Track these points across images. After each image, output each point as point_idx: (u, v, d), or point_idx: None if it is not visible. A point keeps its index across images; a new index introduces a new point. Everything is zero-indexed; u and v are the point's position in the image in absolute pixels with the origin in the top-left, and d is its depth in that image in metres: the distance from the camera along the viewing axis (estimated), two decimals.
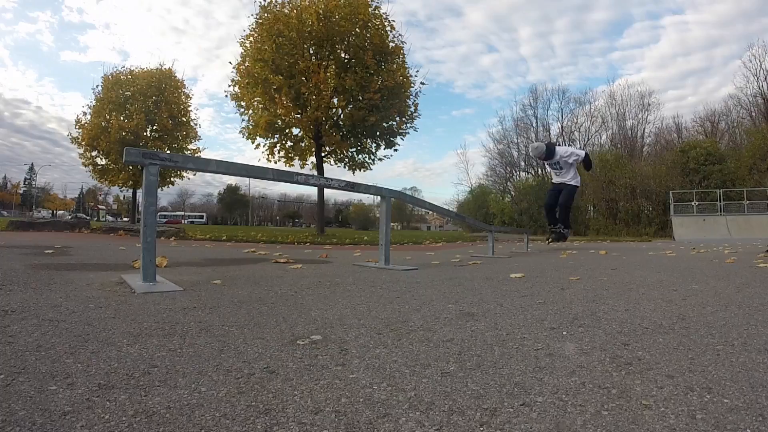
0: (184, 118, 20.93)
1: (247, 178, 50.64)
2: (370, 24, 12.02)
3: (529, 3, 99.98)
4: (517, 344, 1.03)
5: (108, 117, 18.88)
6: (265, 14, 12.00)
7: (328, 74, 12.10)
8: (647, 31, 75.59)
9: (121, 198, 66.75)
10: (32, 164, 78.49)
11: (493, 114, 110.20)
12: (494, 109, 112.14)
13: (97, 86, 19.93)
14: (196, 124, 21.52)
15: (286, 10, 12.07)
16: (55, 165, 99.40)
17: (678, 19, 68.34)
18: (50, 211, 56.11)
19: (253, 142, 12.94)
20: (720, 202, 19.26)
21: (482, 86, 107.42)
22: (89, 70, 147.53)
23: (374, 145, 13.44)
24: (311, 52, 12.29)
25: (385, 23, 12.39)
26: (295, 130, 12.99)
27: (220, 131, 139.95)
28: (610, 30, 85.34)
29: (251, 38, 12.25)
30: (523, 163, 37.87)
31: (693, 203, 20.01)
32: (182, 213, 70.09)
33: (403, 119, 13.19)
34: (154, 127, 19.99)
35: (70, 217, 16.82)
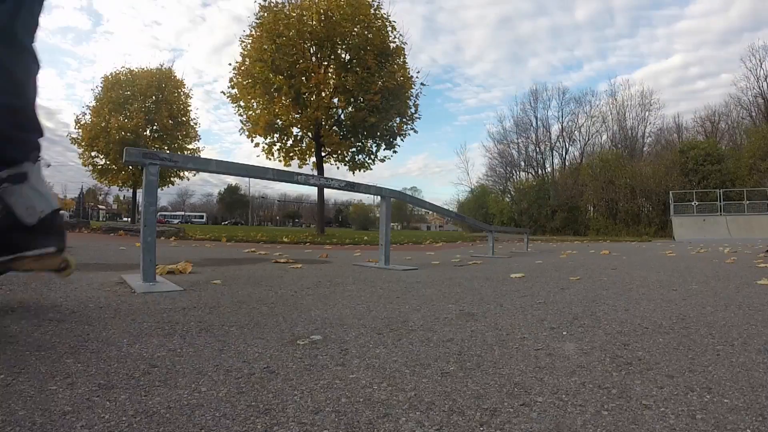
0: (183, 118, 20.96)
1: (247, 178, 50.51)
2: (371, 24, 12.02)
3: None
4: (517, 344, 1.03)
5: (107, 117, 18.91)
6: (265, 14, 12.00)
7: (329, 74, 12.09)
8: None
9: (121, 198, 66.68)
10: None
11: (528, 98, 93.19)
12: (530, 90, 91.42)
13: (97, 87, 20.00)
14: (195, 124, 21.57)
15: (287, 10, 12.07)
16: (53, 166, 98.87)
17: None
18: None
19: (252, 141, 12.95)
20: (720, 202, 19.27)
21: (521, 60, 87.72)
22: (58, 37, 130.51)
23: (374, 145, 13.44)
24: (311, 51, 12.29)
25: (387, 24, 12.39)
26: (295, 130, 13.00)
27: (214, 119, 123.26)
28: None
29: (252, 37, 12.25)
30: (523, 163, 37.92)
31: (693, 203, 20.03)
32: (182, 213, 69.95)
33: (403, 120, 13.19)
34: (154, 127, 20.01)
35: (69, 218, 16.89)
